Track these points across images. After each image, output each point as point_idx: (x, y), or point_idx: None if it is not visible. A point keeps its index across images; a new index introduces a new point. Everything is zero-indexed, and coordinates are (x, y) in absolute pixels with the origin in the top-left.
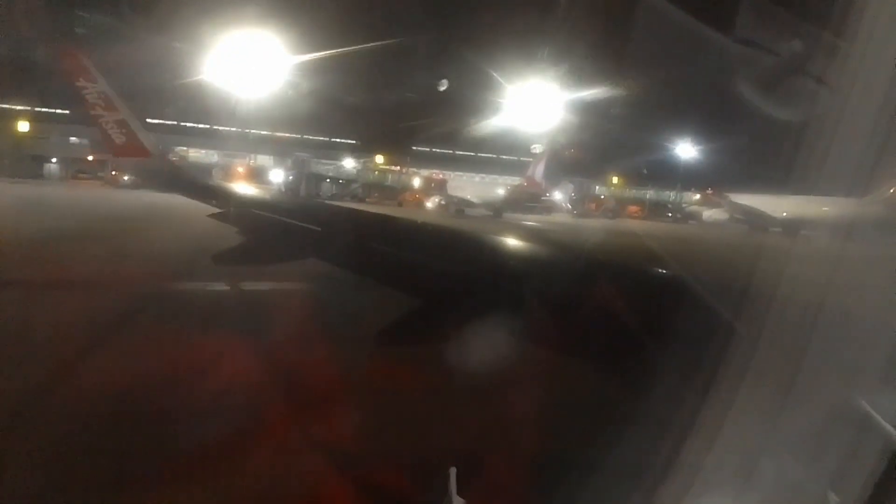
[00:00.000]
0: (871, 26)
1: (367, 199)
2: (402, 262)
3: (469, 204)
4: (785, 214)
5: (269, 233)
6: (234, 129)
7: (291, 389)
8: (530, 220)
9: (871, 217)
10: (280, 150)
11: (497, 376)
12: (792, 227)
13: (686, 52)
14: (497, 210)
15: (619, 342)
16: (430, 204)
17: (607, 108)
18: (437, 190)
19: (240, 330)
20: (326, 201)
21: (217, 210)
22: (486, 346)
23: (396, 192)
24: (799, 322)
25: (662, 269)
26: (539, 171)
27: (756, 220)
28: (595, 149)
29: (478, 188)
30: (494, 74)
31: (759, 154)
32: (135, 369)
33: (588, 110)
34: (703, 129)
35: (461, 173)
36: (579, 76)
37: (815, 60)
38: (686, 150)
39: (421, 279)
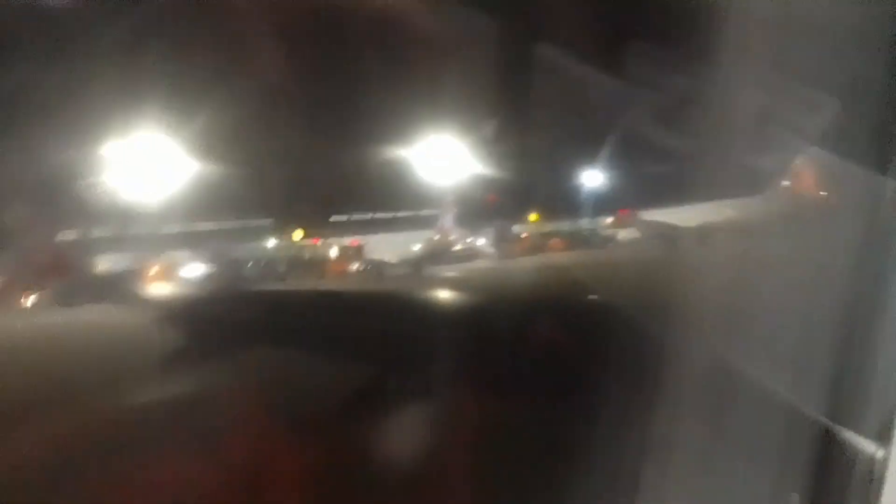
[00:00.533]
0: (740, 50)
1: (287, 278)
2: (328, 336)
3: (387, 265)
4: (692, 224)
5: (210, 329)
6: (141, 230)
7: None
8: (451, 271)
9: (767, 212)
10: (192, 243)
11: (448, 433)
12: (701, 234)
13: (586, 97)
14: (416, 266)
15: (560, 375)
16: (350, 271)
17: (516, 152)
18: (355, 257)
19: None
20: (250, 287)
21: (154, 315)
22: (428, 406)
23: (316, 266)
24: (718, 325)
25: (587, 295)
26: (448, 220)
27: (667, 233)
28: (511, 191)
29: (396, 248)
30: (404, 131)
31: (663, 171)
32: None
33: (499, 156)
34: (609, 157)
35: (383, 235)
36: (489, 126)
37: (698, 87)
38: (596, 178)
39: (351, 348)
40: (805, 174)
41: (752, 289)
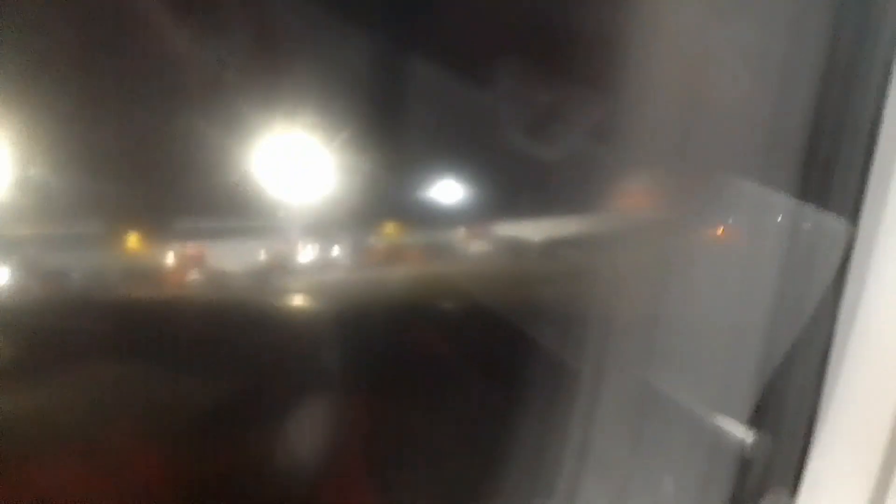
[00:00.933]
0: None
1: (120, 288)
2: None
3: (230, 275)
4: (540, 238)
5: (31, 343)
6: None
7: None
8: (300, 282)
9: (605, 228)
10: (6, 251)
11: (303, 452)
12: (548, 248)
13: (454, 110)
14: (261, 276)
15: (446, 384)
16: (189, 281)
17: (373, 159)
18: (194, 266)
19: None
20: (75, 298)
21: None
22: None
23: (151, 275)
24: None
25: (438, 304)
26: (298, 227)
27: (516, 247)
28: (366, 199)
29: (241, 257)
30: (252, 131)
31: (518, 184)
32: None
33: (355, 163)
34: (467, 168)
35: (227, 243)
36: (344, 131)
37: (565, 99)
38: (453, 189)
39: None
40: (643, 192)
41: (599, 299)
